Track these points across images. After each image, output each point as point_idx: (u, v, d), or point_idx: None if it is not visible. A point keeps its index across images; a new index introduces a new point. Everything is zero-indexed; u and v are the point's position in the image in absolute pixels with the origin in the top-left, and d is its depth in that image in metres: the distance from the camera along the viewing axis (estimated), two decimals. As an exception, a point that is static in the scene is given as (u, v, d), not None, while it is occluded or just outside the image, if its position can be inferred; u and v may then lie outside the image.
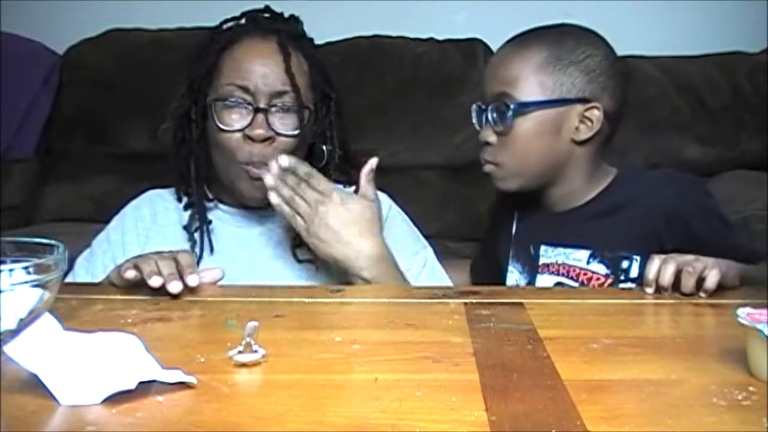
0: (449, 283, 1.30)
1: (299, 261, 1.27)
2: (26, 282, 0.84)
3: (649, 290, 1.06)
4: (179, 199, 1.34)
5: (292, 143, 1.25)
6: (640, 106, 2.23)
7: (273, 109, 1.23)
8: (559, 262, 1.26)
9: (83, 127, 2.36)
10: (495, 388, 0.71)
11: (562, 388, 0.71)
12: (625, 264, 1.22)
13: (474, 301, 1.02)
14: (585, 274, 1.23)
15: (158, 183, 1.39)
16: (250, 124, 1.22)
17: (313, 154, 1.31)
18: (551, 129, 1.23)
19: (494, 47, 2.31)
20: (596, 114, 1.23)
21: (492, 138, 1.24)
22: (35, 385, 0.69)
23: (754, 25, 2.35)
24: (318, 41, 2.31)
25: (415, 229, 1.37)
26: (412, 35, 2.38)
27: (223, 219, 1.32)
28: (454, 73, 2.30)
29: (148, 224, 1.32)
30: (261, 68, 1.23)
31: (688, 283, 1.04)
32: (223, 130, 1.23)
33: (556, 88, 1.22)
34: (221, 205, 1.33)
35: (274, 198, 1.18)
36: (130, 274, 1.04)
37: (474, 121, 1.29)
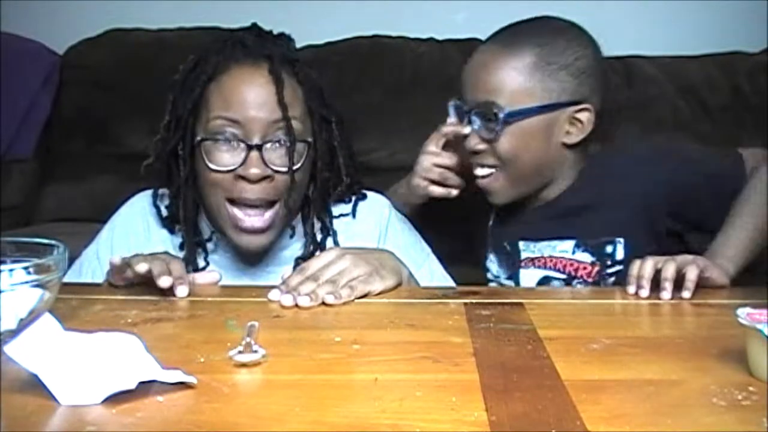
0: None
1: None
2: (26, 282, 0.84)
3: (631, 289, 1.05)
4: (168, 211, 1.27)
5: (289, 181, 1.16)
6: (640, 106, 2.23)
7: (268, 145, 1.14)
8: (546, 255, 1.26)
9: (83, 127, 2.36)
10: (495, 388, 0.71)
11: (562, 388, 0.71)
12: (609, 248, 1.23)
13: (474, 301, 1.02)
14: (571, 265, 1.24)
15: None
16: (243, 163, 1.13)
17: (315, 182, 1.24)
18: (541, 135, 1.20)
19: (494, 47, 2.33)
20: (587, 115, 1.21)
21: (481, 146, 1.22)
22: (35, 385, 0.69)
23: (754, 25, 2.35)
24: (318, 41, 2.34)
25: (416, 234, 1.33)
26: (412, 35, 2.38)
27: (222, 248, 1.26)
28: (454, 73, 2.29)
29: (141, 240, 1.26)
30: (252, 99, 1.14)
31: (668, 268, 1.04)
32: (213, 171, 1.15)
33: (545, 95, 1.19)
34: (219, 235, 1.25)
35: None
36: (116, 260, 1.04)
37: (452, 119, 1.26)
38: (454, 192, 1.28)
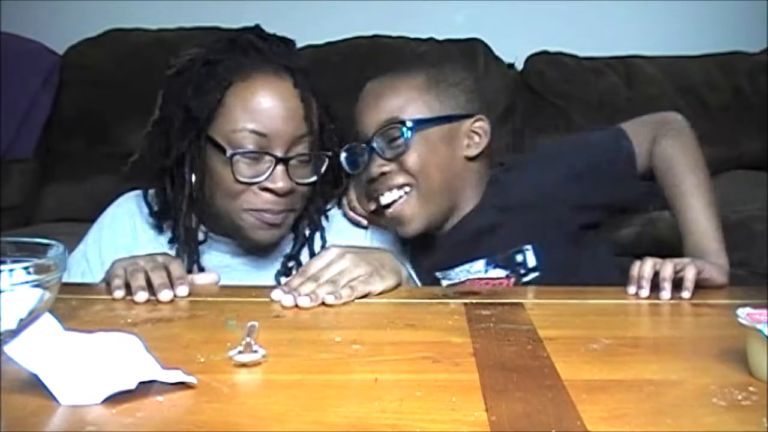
0: None
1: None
2: (26, 282, 0.84)
3: (631, 289, 1.06)
4: (155, 216, 1.28)
5: (309, 191, 1.22)
6: (640, 106, 2.23)
7: (292, 161, 1.16)
8: (463, 279, 1.26)
9: (83, 127, 2.36)
10: (495, 388, 0.71)
11: (562, 388, 0.71)
12: (519, 258, 1.24)
13: (474, 301, 1.02)
14: (487, 283, 1.25)
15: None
16: (270, 176, 1.15)
17: (316, 189, 1.26)
18: (445, 147, 1.24)
19: (494, 47, 2.33)
20: (484, 126, 1.27)
21: (386, 167, 1.23)
22: (35, 385, 0.69)
23: (754, 25, 2.35)
24: (318, 41, 2.34)
25: (392, 242, 1.33)
26: (412, 35, 2.38)
27: (208, 243, 1.27)
28: (454, 73, 2.30)
29: (129, 240, 1.27)
30: (280, 113, 1.15)
31: (666, 269, 1.04)
32: (240, 182, 1.16)
33: (443, 107, 1.24)
34: (209, 233, 1.27)
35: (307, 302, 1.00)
36: (119, 294, 1.03)
37: (346, 165, 1.26)
38: (363, 222, 1.32)
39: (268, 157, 1.16)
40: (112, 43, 2.41)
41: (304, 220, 1.28)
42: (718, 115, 2.24)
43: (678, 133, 1.23)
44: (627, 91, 2.26)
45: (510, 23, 2.44)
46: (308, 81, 1.20)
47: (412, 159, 1.22)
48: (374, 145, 1.23)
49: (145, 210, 1.28)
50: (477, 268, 1.25)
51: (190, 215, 1.23)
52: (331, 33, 2.35)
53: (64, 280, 1.21)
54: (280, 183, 1.16)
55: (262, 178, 1.16)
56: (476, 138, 1.26)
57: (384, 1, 2.46)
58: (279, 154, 1.16)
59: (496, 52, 2.34)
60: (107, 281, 1.10)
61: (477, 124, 1.26)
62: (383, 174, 1.23)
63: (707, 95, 2.26)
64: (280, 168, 1.16)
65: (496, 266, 1.24)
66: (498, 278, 1.24)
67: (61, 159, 2.36)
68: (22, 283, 0.84)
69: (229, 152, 1.15)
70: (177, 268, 1.07)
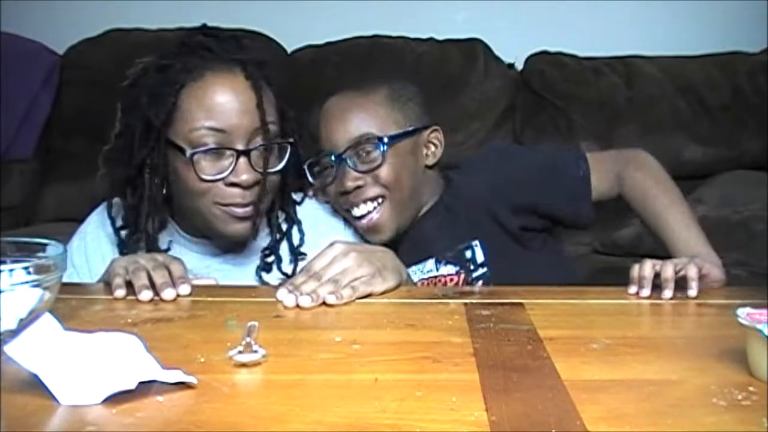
0: None
1: (264, 284, 1.24)
2: (26, 282, 0.84)
3: (632, 289, 1.06)
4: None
5: (277, 180, 1.21)
6: (640, 106, 2.23)
7: (254, 152, 1.16)
8: (417, 279, 1.28)
9: (83, 127, 2.36)
10: (495, 388, 0.71)
11: (562, 388, 0.71)
12: (468, 254, 1.27)
13: (474, 301, 1.03)
14: (440, 281, 1.27)
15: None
16: (233, 170, 1.14)
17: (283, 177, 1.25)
18: (412, 158, 1.30)
19: (494, 47, 2.34)
20: (438, 136, 1.34)
21: (361, 181, 1.26)
22: (35, 385, 0.69)
23: (754, 25, 2.35)
24: (318, 41, 2.34)
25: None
26: (412, 35, 2.38)
27: (185, 245, 1.26)
28: (454, 73, 2.30)
29: (113, 247, 1.26)
30: (235, 107, 1.14)
31: (667, 269, 1.05)
32: (205, 180, 1.15)
33: (406, 121, 1.30)
34: (182, 233, 1.26)
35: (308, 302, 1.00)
36: (121, 293, 1.03)
37: (309, 177, 1.29)
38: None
39: (229, 152, 1.15)
40: (112, 43, 2.42)
41: (276, 213, 1.28)
42: (718, 115, 2.25)
43: (646, 165, 1.28)
44: (627, 91, 2.26)
45: (510, 23, 2.44)
46: (262, 71, 1.19)
47: (386, 172, 1.26)
48: (347, 159, 1.26)
49: (118, 222, 1.28)
50: (429, 267, 1.29)
51: (152, 221, 1.21)
52: (331, 33, 2.35)
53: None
54: (244, 176, 1.15)
55: (225, 173, 1.15)
56: (432, 148, 1.33)
57: (384, 1, 2.47)
58: (240, 147, 1.15)
59: (496, 52, 2.34)
60: (107, 280, 1.10)
61: (432, 134, 1.33)
62: (358, 187, 1.27)
63: (707, 95, 2.26)
64: (242, 161, 1.15)
65: (447, 263, 1.28)
66: (449, 275, 1.28)
67: (61, 159, 2.36)
68: (22, 283, 0.84)
69: (188, 152, 1.15)
70: (178, 268, 1.07)
